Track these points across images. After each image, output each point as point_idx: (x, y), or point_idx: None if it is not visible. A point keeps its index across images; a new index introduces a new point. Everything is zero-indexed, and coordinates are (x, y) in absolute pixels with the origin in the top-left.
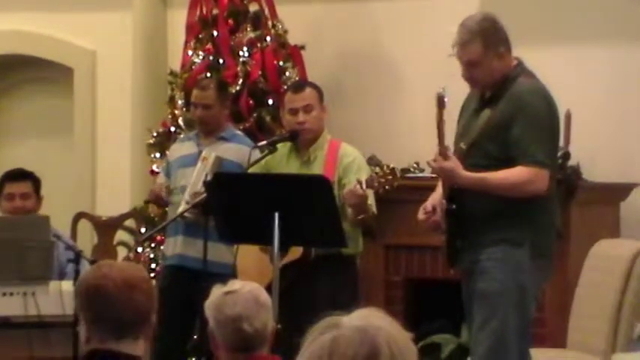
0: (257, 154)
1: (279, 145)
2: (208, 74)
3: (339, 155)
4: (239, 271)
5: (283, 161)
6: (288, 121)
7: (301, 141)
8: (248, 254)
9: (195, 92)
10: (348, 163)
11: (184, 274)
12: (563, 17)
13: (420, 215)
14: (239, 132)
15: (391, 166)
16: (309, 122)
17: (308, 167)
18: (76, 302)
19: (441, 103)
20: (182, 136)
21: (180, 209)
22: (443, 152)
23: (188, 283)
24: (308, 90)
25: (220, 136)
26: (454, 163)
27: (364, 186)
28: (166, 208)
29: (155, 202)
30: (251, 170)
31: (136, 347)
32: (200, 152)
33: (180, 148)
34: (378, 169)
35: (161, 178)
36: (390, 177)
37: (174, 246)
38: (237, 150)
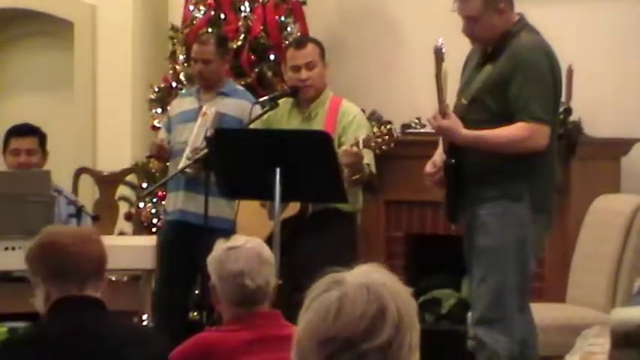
0: (258, 109)
1: (280, 101)
2: (209, 29)
3: (340, 112)
4: (238, 225)
5: (284, 117)
6: (290, 77)
7: (303, 97)
8: (247, 209)
9: (194, 47)
10: (348, 120)
11: (185, 229)
12: None
13: (428, 168)
14: (239, 87)
15: (388, 126)
16: (311, 79)
17: (309, 123)
18: (31, 266)
19: (439, 55)
20: (183, 91)
21: (181, 165)
22: (442, 110)
23: (189, 238)
24: (310, 46)
25: (220, 91)
26: (453, 122)
27: (361, 145)
28: (167, 163)
29: (157, 155)
30: (252, 126)
31: (98, 293)
32: (200, 107)
33: (181, 104)
34: (375, 129)
35: (162, 134)
36: (387, 137)
37: (175, 201)
38: (237, 105)
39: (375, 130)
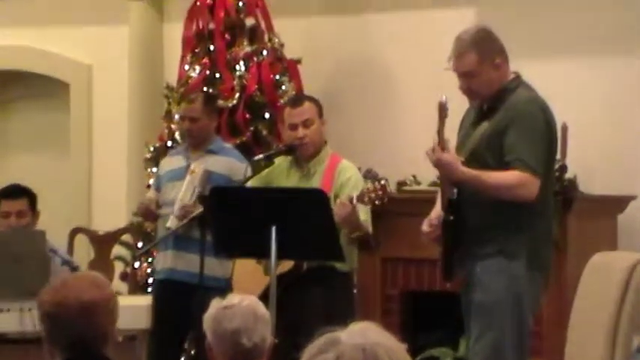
0: (249, 170)
1: (280, 159)
2: (205, 88)
3: (337, 171)
4: (235, 280)
5: (283, 175)
6: (288, 136)
7: (302, 155)
8: (244, 264)
9: (182, 105)
10: (345, 179)
11: (175, 287)
12: (559, 31)
13: (425, 227)
14: (227, 145)
15: (382, 181)
16: (308, 137)
17: (307, 181)
18: (39, 318)
19: (443, 111)
20: (173, 149)
21: (169, 223)
22: (442, 144)
23: (180, 297)
24: (307, 104)
25: (209, 149)
26: (452, 157)
27: (354, 201)
28: (155, 222)
29: (144, 215)
30: (252, 183)
31: (107, 347)
32: (189, 165)
33: (170, 162)
34: (369, 184)
35: (151, 193)
36: (381, 192)
37: (165, 260)
38: (225, 163)
39: (369, 185)
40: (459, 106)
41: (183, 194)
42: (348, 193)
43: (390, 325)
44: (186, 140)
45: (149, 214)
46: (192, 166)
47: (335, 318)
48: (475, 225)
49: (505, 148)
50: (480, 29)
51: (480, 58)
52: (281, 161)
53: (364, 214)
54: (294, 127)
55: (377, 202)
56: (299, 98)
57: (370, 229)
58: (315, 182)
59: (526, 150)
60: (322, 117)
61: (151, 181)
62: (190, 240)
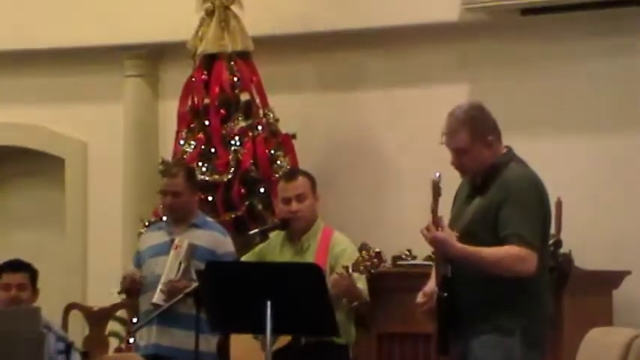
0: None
1: (273, 234)
2: (200, 163)
3: (331, 244)
4: (232, 356)
5: (277, 250)
6: (281, 209)
7: (294, 229)
8: (242, 339)
9: (164, 180)
10: (339, 251)
11: None
12: (553, 107)
13: (419, 299)
14: (209, 219)
15: (377, 249)
16: (301, 211)
17: (301, 256)
18: None
19: (436, 189)
20: (152, 225)
21: (156, 298)
22: (436, 222)
23: None
24: (300, 179)
25: (192, 223)
26: (447, 234)
27: (350, 270)
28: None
29: (130, 288)
30: (245, 259)
31: None
32: (172, 240)
33: (151, 238)
34: (363, 253)
35: (132, 269)
36: (376, 260)
37: (149, 335)
38: (209, 236)
39: (364, 254)
40: (453, 180)
41: (168, 269)
42: (343, 264)
43: None
44: (166, 215)
45: (135, 286)
46: (176, 241)
47: None
48: (470, 302)
49: (500, 224)
50: (473, 106)
51: (472, 137)
52: (274, 237)
53: (361, 282)
54: (287, 200)
55: (372, 271)
56: (293, 172)
57: (367, 297)
58: (310, 257)
59: (521, 224)
60: (316, 192)
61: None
62: (175, 315)
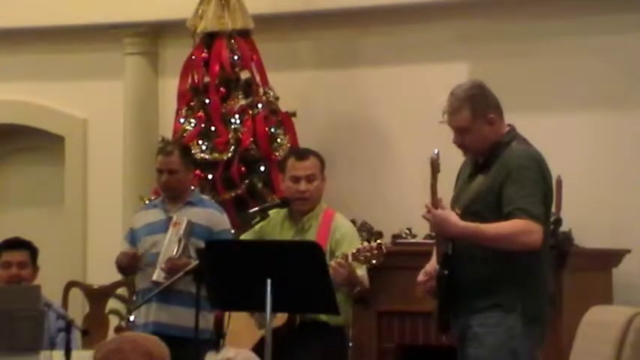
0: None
1: (273, 212)
2: (200, 141)
3: (333, 227)
4: (230, 333)
5: (277, 228)
6: (289, 187)
7: (297, 209)
8: (239, 317)
9: (159, 158)
10: (340, 235)
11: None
12: (554, 85)
13: (420, 277)
14: (205, 196)
15: (378, 240)
16: (309, 191)
17: (302, 235)
18: None
19: (435, 166)
20: (147, 203)
21: (155, 276)
22: (435, 203)
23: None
24: (312, 159)
25: (188, 200)
26: (447, 213)
27: (350, 259)
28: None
29: (127, 268)
30: (245, 237)
31: None
32: (169, 218)
33: (146, 216)
34: (365, 243)
35: (127, 247)
36: (376, 251)
37: (148, 313)
38: (206, 214)
39: (365, 244)
40: (454, 159)
41: (167, 247)
42: (343, 252)
43: None
44: (162, 193)
45: (133, 263)
46: (174, 218)
47: None
48: (470, 279)
49: (504, 201)
50: (474, 85)
51: (473, 115)
52: (275, 215)
53: (361, 269)
54: (296, 179)
55: (373, 262)
56: (305, 152)
57: (367, 283)
58: (310, 237)
59: (526, 200)
60: (324, 174)
61: (124, 236)
62: (175, 293)
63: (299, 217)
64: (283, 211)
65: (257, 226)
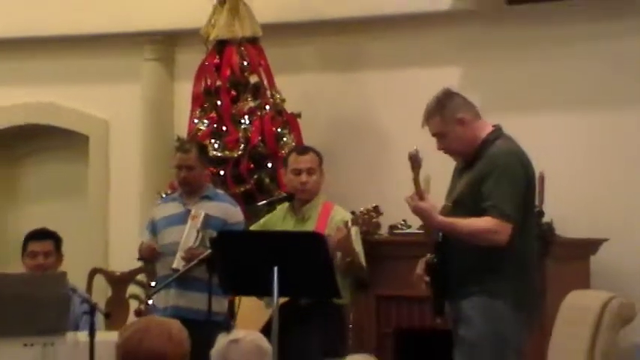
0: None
1: (279, 207)
2: (212, 140)
3: (331, 215)
4: (241, 313)
5: (280, 221)
6: (291, 180)
7: (297, 200)
8: (248, 300)
9: (178, 155)
10: (339, 219)
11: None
12: (538, 88)
13: (419, 270)
14: (220, 191)
15: (374, 204)
16: (309, 183)
17: (302, 225)
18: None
19: (415, 161)
20: (165, 196)
21: (175, 264)
22: (419, 193)
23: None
24: (311, 154)
25: (204, 195)
26: (430, 205)
27: (350, 224)
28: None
29: (148, 258)
30: (252, 229)
31: None
32: (187, 211)
33: (165, 209)
34: (362, 208)
35: (146, 237)
36: (374, 212)
37: (167, 298)
38: (220, 207)
39: (362, 209)
40: (443, 156)
41: (186, 237)
42: (342, 218)
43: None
44: (180, 188)
45: (153, 255)
46: (192, 212)
47: (330, 349)
48: (460, 266)
49: (483, 195)
50: (442, 92)
51: (443, 119)
52: (279, 209)
53: (357, 245)
54: (297, 172)
55: (373, 221)
56: (305, 148)
57: (364, 262)
58: (310, 226)
59: (501, 197)
60: (322, 169)
61: (145, 226)
62: (192, 280)
63: (299, 209)
64: (285, 206)
65: (262, 220)
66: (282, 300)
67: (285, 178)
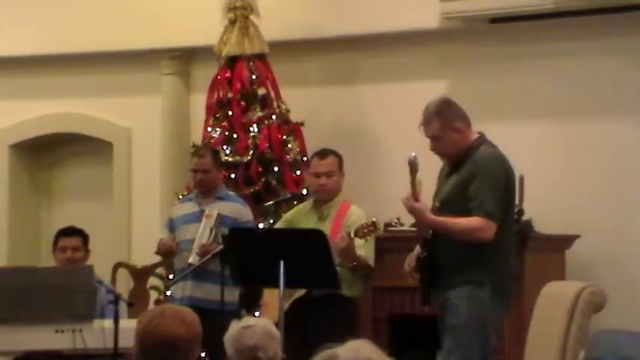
0: (249, 211)
1: (303, 203)
2: (224, 146)
3: (347, 214)
4: (264, 303)
5: (304, 217)
6: (311, 182)
7: (319, 199)
8: (271, 291)
9: (194, 160)
10: (351, 222)
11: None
12: (518, 99)
13: (406, 267)
14: (232, 192)
15: (373, 219)
16: (329, 185)
17: (322, 222)
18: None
19: (413, 166)
20: (182, 197)
21: (191, 258)
22: (414, 195)
23: (202, 322)
24: (330, 157)
25: (217, 196)
26: (423, 206)
27: (352, 235)
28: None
29: (165, 253)
30: (279, 224)
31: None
32: (202, 210)
33: (183, 208)
34: (363, 222)
35: (165, 233)
36: (372, 227)
37: (184, 289)
38: (232, 207)
39: (364, 222)
40: (432, 158)
41: (201, 234)
42: (346, 230)
43: (380, 343)
44: (196, 189)
45: (171, 251)
46: (207, 211)
47: (337, 337)
48: (447, 260)
49: (469, 196)
50: (442, 100)
51: (442, 125)
52: (305, 205)
53: (363, 250)
54: (317, 175)
55: (371, 235)
56: (325, 151)
57: (371, 262)
58: (328, 223)
59: (485, 198)
60: (342, 169)
61: (164, 225)
62: (207, 272)
63: (321, 207)
64: (310, 202)
65: (289, 216)
66: (299, 294)
67: (307, 180)
